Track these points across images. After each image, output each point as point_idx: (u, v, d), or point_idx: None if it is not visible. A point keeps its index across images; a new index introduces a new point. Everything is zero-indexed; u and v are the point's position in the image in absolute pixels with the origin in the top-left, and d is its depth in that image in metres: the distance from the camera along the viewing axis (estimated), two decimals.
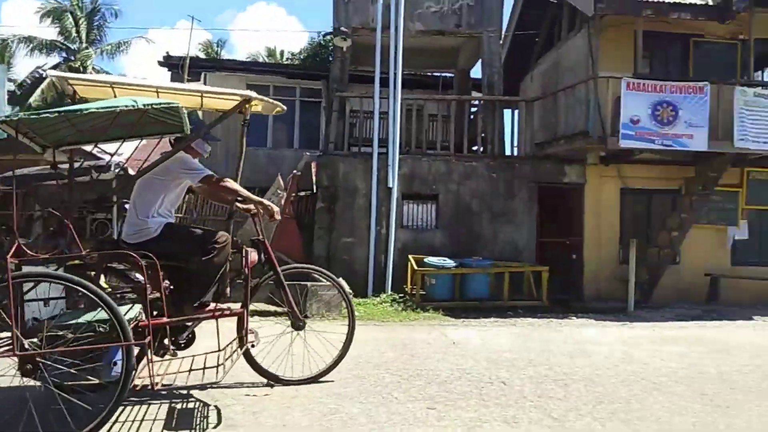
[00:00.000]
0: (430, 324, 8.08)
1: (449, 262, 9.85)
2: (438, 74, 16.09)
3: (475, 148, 12.16)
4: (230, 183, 4.04)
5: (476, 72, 13.97)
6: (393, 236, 10.60)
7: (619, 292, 10.23)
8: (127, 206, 4.25)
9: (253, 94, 4.22)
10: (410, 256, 10.21)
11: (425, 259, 9.98)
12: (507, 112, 12.17)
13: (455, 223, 10.99)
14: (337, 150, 11.48)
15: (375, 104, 11.07)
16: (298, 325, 4.37)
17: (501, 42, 12.56)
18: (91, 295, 3.28)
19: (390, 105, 10.88)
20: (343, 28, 11.60)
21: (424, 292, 9.73)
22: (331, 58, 14.53)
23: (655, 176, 11.24)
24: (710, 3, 10.04)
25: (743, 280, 11.07)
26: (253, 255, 4.13)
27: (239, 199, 4.11)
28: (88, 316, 3.34)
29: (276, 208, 4.12)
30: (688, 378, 4.78)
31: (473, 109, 13.38)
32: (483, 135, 11.65)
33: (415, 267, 9.84)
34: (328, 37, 15.84)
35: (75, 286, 3.31)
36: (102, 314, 3.29)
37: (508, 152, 12.16)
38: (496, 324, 8.24)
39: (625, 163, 11.01)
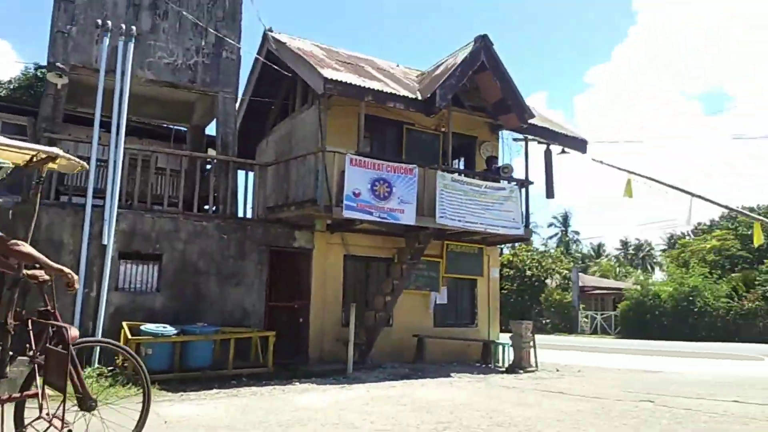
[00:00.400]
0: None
1: (169, 330, 9.18)
2: (171, 126, 15.45)
3: (206, 207, 11.81)
4: (25, 247, 3.80)
5: (211, 129, 13.80)
6: (105, 299, 9.52)
7: (342, 353, 10.71)
8: None
9: (59, 151, 3.98)
10: (124, 323, 9.24)
11: (142, 327, 9.15)
12: (241, 174, 12.18)
13: (180, 284, 10.39)
14: (42, 197, 10.00)
15: (93, 150, 10.05)
16: (89, 406, 4.00)
17: (237, 104, 12.66)
18: None
19: (111, 153, 10.00)
20: (59, 64, 10.42)
21: None
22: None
23: (373, 245, 12.32)
24: (419, 98, 11.66)
25: (443, 339, 12.63)
26: (72, 331, 3.94)
27: (36, 265, 3.85)
28: None
29: (76, 277, 3.92)
30: None
31: (207, 167, 13.09)
32: (215, 194, 11.41)
33: (129, 335, 8.93)
34: (44, 71, 14.07)
35: None
36: None
37: (240, 214, 12.08)
38: (217, 396, 7.84)
39: (348, 232, 11.84)
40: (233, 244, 10.95)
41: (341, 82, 10.60)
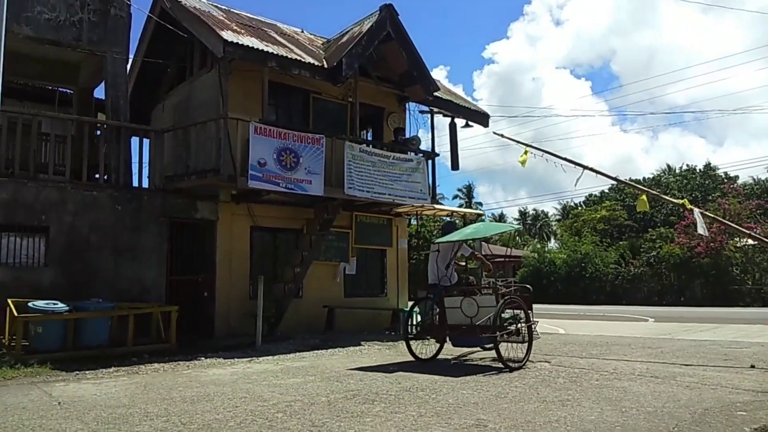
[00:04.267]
0: (33, 382, 6.90)
1: (60, 306, 8.68)
2: (55, 88, 14.31)
3: (97, 176, 11.12)
4: None
5: (100, 93, 12.94)
6: None
7: (250, 327, 10.61)
8: None
9: None
10: (10, 300, 8.61)
11: (30, 303, 8.57)
12: (135, 141, 11.55)
13: (71, 259, 9.80)
14: None
15: None
16: None
17: (129, 66, 11.91)
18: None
19: None
20: None
21: (27, 343, 8.32)
22: None
23: (281, 216, 12.19)
24: (326, 66, 11.52)
25: (354, 309, 12.81)
26: None
27: None
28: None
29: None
30: (301, 411, 5.17)
31: (97, 133, 12.28)
32: (107, 163, 10.76)
33: (16, 313, 8.34)
34: None
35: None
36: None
37: (136, 183, 11.50)
38: (116, 374, 7.53)
39: (255, 203, 11.63)
40: (128, 216, 10.44)
41: (242, 45, 10.27)
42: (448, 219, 10.46)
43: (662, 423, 4.62)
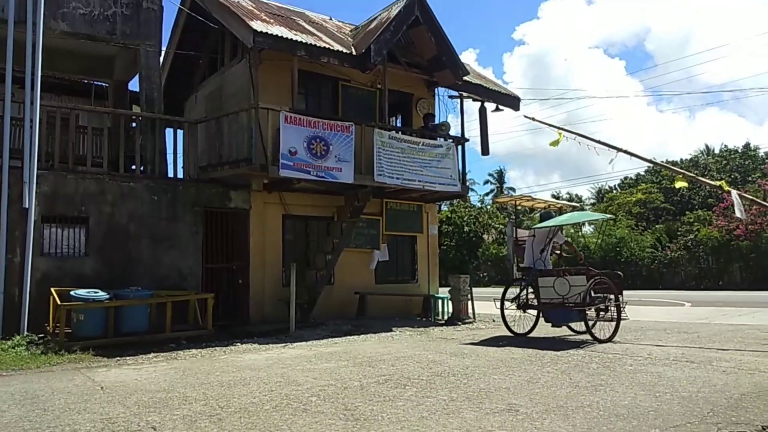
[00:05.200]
0: (77, 368, 7.18)
1: (101, 294, 8.96)
2: (91, 82, 14.66)
3: (133, 167, 11.39)
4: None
5: (135, 85, 13.20)
6: (30, 266, 9.15)
7: (283, 313, 10.78)
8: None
9: None
10: (53, 289, 8.94)
11: (72, 292, 8.88)
12: (169, 132, 11.77)
13: (110, 249, 10.09)
14: None
15: (6, 107, 9.45)
16: None
17: (162, 58, 12.14)
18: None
19: (26, 110, 9.43)
20: None
21: (70, 330, 8.63)
22: None
23: (312, 204, 12.31)
24: (354, 53, 11.52)
25: (385, 296, 12.90)
26: None
27: None
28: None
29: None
30: (334, 395, 5.27)
31: (133, 125, 12.56)
32: (143, 154, 11.01)
33: (59, 301, 8.65)
34: None
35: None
36: None
37: (171, 174, 11.74)
38: (155, 360, 7.77)
39: (286, 191, 11.76)
40: (165, 206, 10.67)
41: (272, 35, 10.33)
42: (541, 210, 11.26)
43: (697, 408, 4.57)
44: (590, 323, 8.71)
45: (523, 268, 9.86)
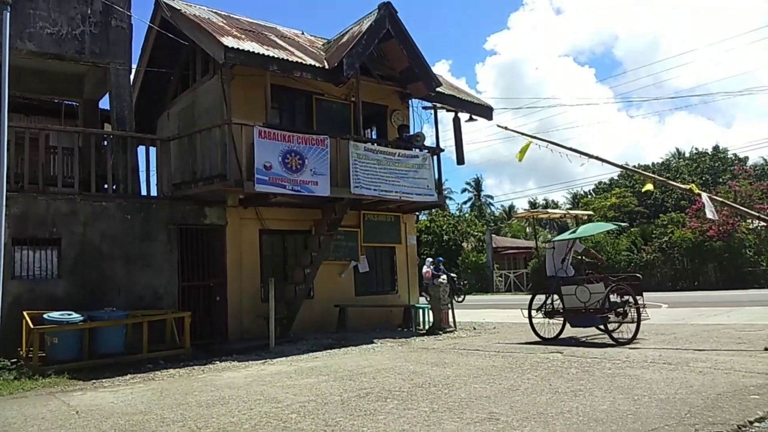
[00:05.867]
0: (51, 392, 7.02)
1: (75, 317, 8.80)
2: (61, 101, 14.44)
3: (105, 186, 11.23)
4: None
5: (105, 103, 13.05)
6: (0, 290, 8.88)
7: (263, 329, 10.68)
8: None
9: None
10: (26, 313, 8.74)
11: (45, 315, 8.70)
12: (142, 150, 11.65)
13: (83, 270, 9.92)
14: None
15: None
16: None
17: (132, 76, 12.03)
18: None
19: None
20: None
21: (44, 354, 8.44)
22: None
23: (289, 218, 12.25)
24: (327, 67, 11.54)
25: (365, 308, 12.87)
26: None
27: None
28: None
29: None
30: (315, 411, 5.22)
31: (104, 144, 12.40)
32: (114, 173, 10.86)
33: (32, 325, 8.47)
34: None
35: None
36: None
37: (144, 192, 11.61)
38: (132, 381, 7.64)
39: (262, 206, 11.70)
40: (138, 225, 10.54)
41: (244, 51, 10.31)
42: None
43: (674, 410, 4.63)
44: (610, 327, 9.29)
45: (547, 278, 10.54)
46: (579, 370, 6.73)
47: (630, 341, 8.89)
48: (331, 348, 10.07)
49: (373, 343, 10.61)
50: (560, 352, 8.24)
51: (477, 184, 62.87)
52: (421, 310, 13.40)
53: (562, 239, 10.56)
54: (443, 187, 14.00)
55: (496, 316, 16.05)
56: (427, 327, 12.84)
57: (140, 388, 7.04)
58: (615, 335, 9.20)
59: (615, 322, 9.33)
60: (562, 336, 9.95)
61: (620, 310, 9.28)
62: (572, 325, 9.97)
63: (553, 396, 5.37)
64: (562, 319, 9.98)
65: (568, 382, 5.98)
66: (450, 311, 12.72)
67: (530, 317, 10.17)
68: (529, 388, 5.82)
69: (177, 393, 6.55)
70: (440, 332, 12.09)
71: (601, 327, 9.56)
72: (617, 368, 6.70)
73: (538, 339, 9.91)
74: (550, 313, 9.99)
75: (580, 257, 10.88)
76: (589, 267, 11.70)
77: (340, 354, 9.43)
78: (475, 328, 12.73)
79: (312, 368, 7.96)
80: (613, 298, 9.29)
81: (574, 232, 10.47)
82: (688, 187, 10.08)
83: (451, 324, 12.66)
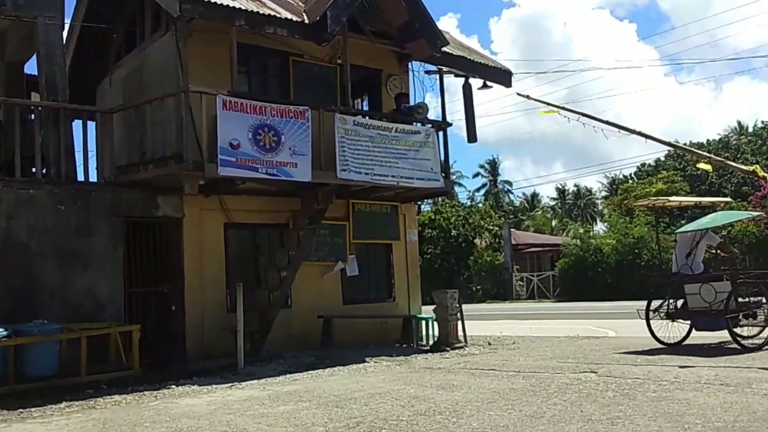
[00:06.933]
0: None
1: None
2: None
3: (33, 170, 11.21)
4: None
5: (32, 67, 12.99)
6: None
7: (229, 345, 10.71)
8: None
9: None
10: None
11: None
12: (78, 125, 11.60)
13: (6, 272, 9.95)
14: None
15: None
16: None
17: (66, 33, 11.99)
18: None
19: None
20: None
21: None
22: None
23: (261, 209, 12.27)
24: (307, 22, 11.50)
25: (355, 319, 12.91)
26: None
27: None
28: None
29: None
30: None
31: (31, 117, 12.35)
32: (44, 153, 10.83)
33: None
34: None
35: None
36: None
37: (81, 177, 11.58)
38: (68, 410, 7.66)
39: (228, 194, 11.71)
40: (74, 216, 10.54)
41: (203, 1, 10.27)
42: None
43: None
44: (736, 331, 9.80)
45: (672, 274, 11.10)
46: (617, 393, 6.77)
47: (761, 347, 9.49)
48: (313, 368, 10.10)
49: (365, 362, 10.65)
50: (594, 372, 8.28)
51: (492, 167, 63.13)
52: (424, 322, 13.44)
53: (685, 231, 11.20)
54: (451, 170, 14.03)
55: (515, 328, 16.12)
56: (431, 342, 12.88)
57: (78, 419, 7.05)
58: (745, 342, 9.79)
59: (745, 325, 9.91)
60: (686, 342, 10.61)
61: (749, 312, 9.82)
62: (696, 329, 10.61)
63: (585, 425, 5.40)
64: (688, 321, 10.63)
65: (603, 408, 6.01)
66: (459, 323, 12.76)
67: (648, 319, 10.71)
68: (555, 415, 5.85)
69: (123, 425, 6.56)
70: (448, 348, 12.12)
71: (733, 330, 9.96)
72: (663, 390, 6.74)
73: (570, 360, 9.84)
74: (672, 315, 10.58)
75: (714, 251, 11.41)
76: (724, 263, 12.20)
77: (325, 375, 9.46)
78: (490, 344, 12.78)
79: (290, 393, 7.98)
80: (744, 299, 9.91)
81: (702, 222, 11.03)
82: (751, 168, 10.15)
83: (461, 338, 12.71)
